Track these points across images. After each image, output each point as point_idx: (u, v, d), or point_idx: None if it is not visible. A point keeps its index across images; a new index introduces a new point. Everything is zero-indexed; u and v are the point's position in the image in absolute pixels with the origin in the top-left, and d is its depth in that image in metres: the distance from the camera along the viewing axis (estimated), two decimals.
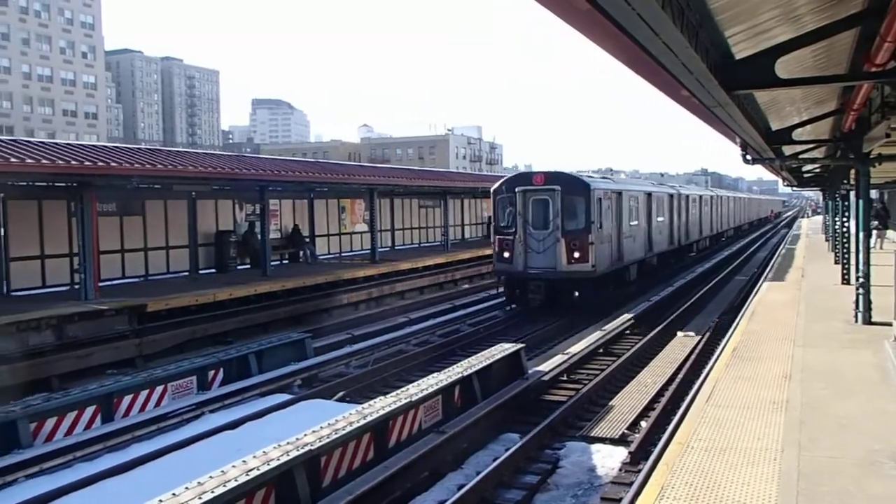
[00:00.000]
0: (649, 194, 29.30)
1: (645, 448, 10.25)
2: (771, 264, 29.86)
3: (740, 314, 16.88)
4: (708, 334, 18.07)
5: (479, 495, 9.23)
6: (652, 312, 21.83)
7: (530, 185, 22.47)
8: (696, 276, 31.64)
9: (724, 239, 55.89)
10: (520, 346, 13.99)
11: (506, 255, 22.56)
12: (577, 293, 21.85)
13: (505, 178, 24.03)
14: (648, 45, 7.02)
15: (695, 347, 16.74)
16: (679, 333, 18.87)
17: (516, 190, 22.49)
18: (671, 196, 33.62)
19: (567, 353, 15.09)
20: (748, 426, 8.35)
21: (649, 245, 28.95)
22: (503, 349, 13.66)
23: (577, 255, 21.48)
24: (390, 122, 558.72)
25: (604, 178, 25.79)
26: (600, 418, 11.85)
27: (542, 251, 21.98)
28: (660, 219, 30.72)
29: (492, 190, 23.46)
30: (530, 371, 13.76)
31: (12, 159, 17.19)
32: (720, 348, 13.11)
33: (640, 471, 9.31)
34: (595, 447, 10.68)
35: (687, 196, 37.86)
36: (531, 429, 11.23)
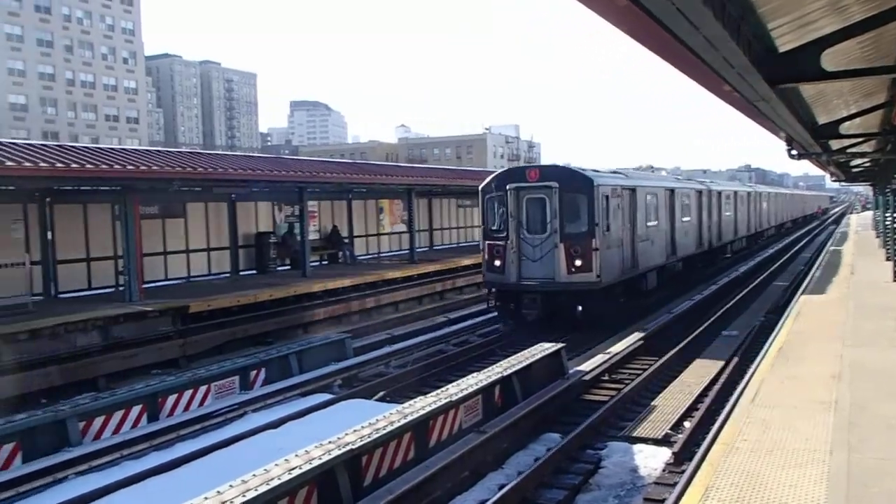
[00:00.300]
0: (672, 191, 26.03)
1: (689, 449, 10.12)
2: (818, 263, 28.62)
3: (786, 313, 16.58)
4: (752, 335, 17.78)
5: (521, 495, 9.19)
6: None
7: (523, 182, 19.45)
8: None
9: (763, 239, 52.09)
10: (560, 345, 13.89)
11: (496, 263, 19.68)
12: (579, 307, 18.75)
13: (494, 173, 21.00)
14: (688, 39, 6.94)
15: (738, 348, 16.47)
16: (722, 333, 18.59)
17: (507, 188, 19.47)
18: (699, 192, 30.32)
19: (608, 353, 14.95)
20: (795, 427, 8.20)
21: (672, 248, 25.67)
22: (543, 349, 13.57)
23: (578, 263, 18.60)
24: (427, 123, 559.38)
25: (615, 172, 22.55)
26: (643, 418, 11.72)
27: (537, 259, 19.14)
28: (685, 218, 27.45)
29: (479, 188, 20.51)
30: (571, 371, 13.67)
31: (58, 164, 17.55)
32: (765, 348, 12.90)
33: (683, 471, 9.19)
34: (637, 447, 10.57)
35: (719, 192, 34.66)
36: (572, 429, 11.16)
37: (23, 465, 10.43)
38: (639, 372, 14.62)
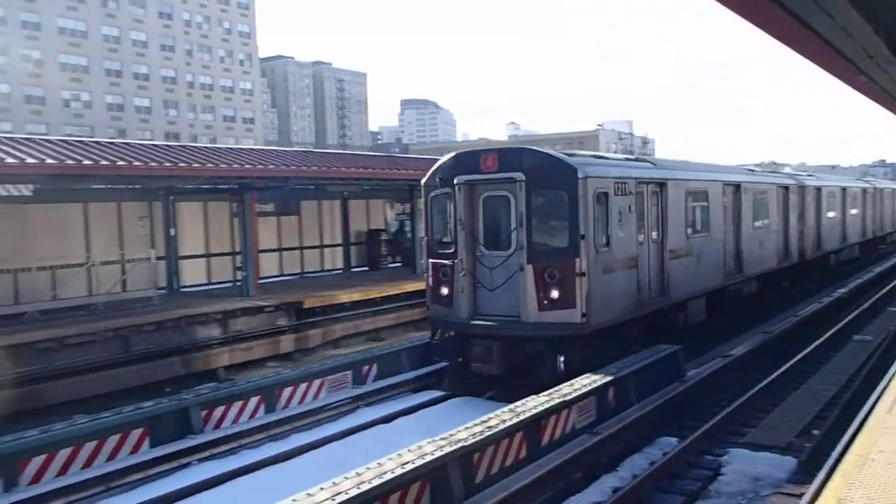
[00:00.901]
0: (736, 186, 19.53)
1: (816, 459, 9.61)
2: None
3: None
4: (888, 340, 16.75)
5: (635, 499, 8.97)
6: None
7: (477, 174, 13.61)
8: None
9: (885, 245, 42.70)
10: (677, 347, 13.50)
11: (443, 291, 13.96)
12: (561, 359, 12.80)
13: (440, 161, 14.84)
14: (822, 29, 6.61)
15: (872, 354, 15.55)
16: (854, 337, 17.56)
17: (455, 182, 13.75)
18: (785, 189, 23.72)
19: (728, 357, 14.37)
20: None
21: (736, 264, 19.41)
22: (660, 350, 13.27)
23: (554, 294, 12.75)
24: (537, 119, 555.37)
25: (637, 159, 16.65)
26: (766, 425, 11.21)
27: (496, 287, 13.35)
28: (761, 222, 21.34)
29: (422, 183, 14.92)
30: (689, 374, 13.26)
31: (180, 164, 18.36)
32: None
33: (810, 482, 8.74)
34: (760, 455, 10.10)
35: (818, 189, 27.39)
36: (690, 433, 10.80)
37: (150, 449, 10.92)
38: (762, 377, 13.94)
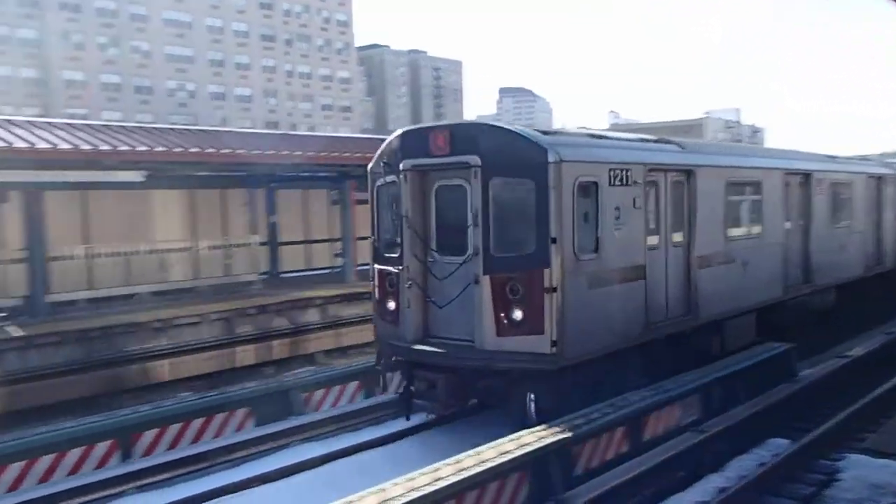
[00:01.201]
0: (806, 176, 16.05)
1: None
2: None
3: None
4: None
5: (743, 501, 8.62)
6: None
7: (426, 157, 10.65)
8: None
9: None
10: (790, 345, 12.90)
11: (389, 305, 11.22)
12: (531, 396, 9.85)
13: (386, 142, 11.54)
14: None
15: None
16: None
17: (402, 167, 10.81)
18: (878, 179, 19.67)
19: (845, 357, 13.61)
20: None
21: (804, 271, 15.97)
22: (770, 348, 12.76)
23: (517, 315, 9.85)
24: (640, 109, 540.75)
25: (660, 141, 13.27)
26: (888, 430, 10.56)
27: (447, 303, 10.49)
28: (840, 221, 17.70)
29: (368, 169, 11.83)
30: (802, 373, 12.69)
31: (283, 151, 18.75)
32: None
33: None
34: (882, 462, 9.52)
35: None
36: (802, 436, 10.32)
37: (255, 428, 11.27)
38: (883, 379, 13.07)
